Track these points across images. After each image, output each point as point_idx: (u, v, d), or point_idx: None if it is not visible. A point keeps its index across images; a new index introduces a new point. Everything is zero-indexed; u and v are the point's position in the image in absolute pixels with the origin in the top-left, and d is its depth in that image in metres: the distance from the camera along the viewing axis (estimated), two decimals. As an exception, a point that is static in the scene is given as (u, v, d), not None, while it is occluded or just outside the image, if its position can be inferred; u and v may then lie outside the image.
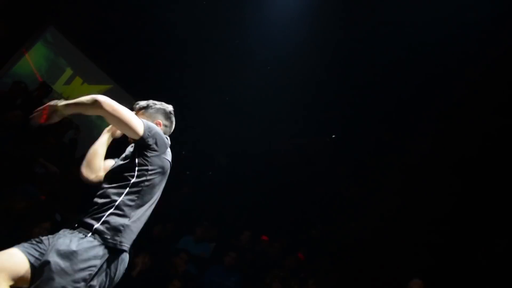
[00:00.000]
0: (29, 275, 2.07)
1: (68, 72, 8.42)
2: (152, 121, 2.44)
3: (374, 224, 7.83)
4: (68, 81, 8.43)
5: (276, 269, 6.31)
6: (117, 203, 2.21)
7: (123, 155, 2.47)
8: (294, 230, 8.01)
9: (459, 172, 6.68)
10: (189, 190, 7.26)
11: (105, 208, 2.19)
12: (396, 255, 7.10)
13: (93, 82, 8.67)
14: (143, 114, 2.53)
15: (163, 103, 2.63)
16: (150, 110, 2.56)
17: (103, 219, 2.16)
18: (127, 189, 2.25)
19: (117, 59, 8.18)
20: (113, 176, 2.34)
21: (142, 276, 4.80)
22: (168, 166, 2.40)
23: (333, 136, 8.45)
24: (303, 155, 8.51)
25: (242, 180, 8.50)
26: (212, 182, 8.49)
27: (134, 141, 2.34)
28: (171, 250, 5.76)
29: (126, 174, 2.28)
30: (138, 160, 2.29)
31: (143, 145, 2.29)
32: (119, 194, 2.24)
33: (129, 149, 2.46)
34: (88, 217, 2.19)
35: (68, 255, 2.02)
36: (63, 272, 1.99)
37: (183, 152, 8.23)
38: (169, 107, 2.63)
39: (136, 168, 2.28)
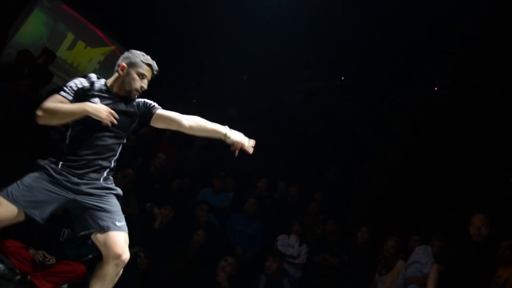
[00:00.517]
0: None
1: (70, 37, 8.34)
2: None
3: (391, 166, 7.90)
4: (71, 46, 8.37)
5: (295, 213, 6.45)
6: None
7: None
8: (310, 174, 8.12)
9: (479, 111, 6.60)
10: (202, 143, 7.30)
11: None
12: (415, 196, 7.19)
13: (96, 45, 8.59)
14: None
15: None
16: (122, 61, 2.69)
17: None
18: None
19: (118, 19, 8.05)
20: None
21: (165, 228, 4.94)
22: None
23: (342, 78, 8.34)
24: (314, 100, 8.45)
25: (254, 130, 8.52)
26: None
27: None
28: (191, 203, 5.88)
29: None
30: None
31: None
32: None
33: None
34: None
35: None
36: None
37: (194, 101, 8.25)
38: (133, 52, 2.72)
39: None
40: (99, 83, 2.65)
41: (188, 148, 7.28)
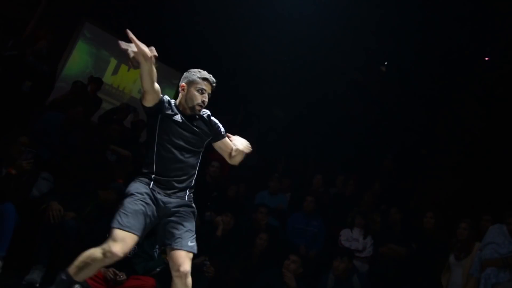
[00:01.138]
0: None
1: (113, 62, 8.67)
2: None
3: (450, 148, 7.62)
4: (115, 71, 8.69)
5: (355, 206, 6.31)
6: None
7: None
8: (367, 166, 7.96)
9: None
10: (254, 147, 7.33)
11: None
12: (479, 176, 6.90)
13: (138, 66, 8.82)
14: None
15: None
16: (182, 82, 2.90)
17: None
18: None
19: (155, 37, 8.24)
20: None
21: (228, 235, 4.96)
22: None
23: (386, 63, 8.14)
24: (358, 89, 8.29)
25: (301, 128, 8.48)
26: (273, 135, 8.53)
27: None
28: (250, 208, 5.89)
29: None
30: None
31: None
32: None
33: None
34: None
35: None
36: None
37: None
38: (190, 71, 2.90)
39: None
40: (173, 102, 2.86)
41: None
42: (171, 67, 9.11)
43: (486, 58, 6.97)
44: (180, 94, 2.86)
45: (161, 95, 2.76)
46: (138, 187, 2.66)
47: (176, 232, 2.65)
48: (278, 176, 6.56)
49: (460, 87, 7.38)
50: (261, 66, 7.96)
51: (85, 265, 2.44)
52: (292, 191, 6.70)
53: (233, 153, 2.93)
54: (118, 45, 2.60)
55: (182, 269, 2.58)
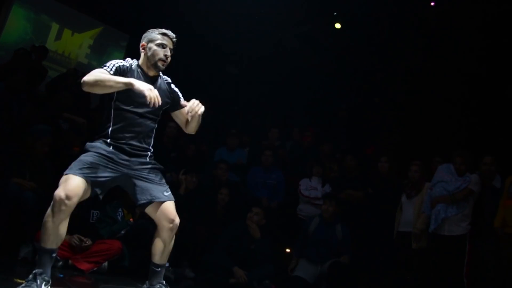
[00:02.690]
0: None
1: (55, 27, 8.25)
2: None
3: (399, 94, 7.86)
4: (58, 36, 8.28)
5: (312, 156, 6.48)
6: None
7: None
8: (321, 117, 8.12)
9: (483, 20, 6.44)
10: (210, 105, 7.28)
11: None
12: (429, 119, 7.18)
13: (82, 30, 8.48)
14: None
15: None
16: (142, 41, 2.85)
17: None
18: None
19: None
20: None
21: (190, 193, 5.01)
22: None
23: (335, 13, 8.15)
24: (309, 41, 8.32)
25: (256, 83, 8.49)
26: (227, 91, 8.51)
27: None
28: (209, 165, 5.94)
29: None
30: None
31: None
32: None
33: None
34: None
35: None
36: None
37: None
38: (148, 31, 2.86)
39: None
40: (134, 64, 2.80)
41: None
42: (119, 29, 8.80)
43: (432, 3, 7.14)
44: (142, 54, 2.82)
45: (118, 62, 2.71)
46: (96, 145, 2.63)
47: (151, 186, 2.67)
48: (235, 132, 6.60)
49: (409, 34, 7.53)
50: (212, 24, 7.80)
51: (45, 228, 2.38)
52: (250, 146, 6.79)
53: (189, 119, 2.88)
54: None
55: (176, 221, 2.67)
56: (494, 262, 4.39)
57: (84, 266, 3.76)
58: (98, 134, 2.71)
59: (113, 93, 2.65)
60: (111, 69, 2.63)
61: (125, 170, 2.64)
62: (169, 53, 2.79)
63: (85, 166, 2.47)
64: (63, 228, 2.42)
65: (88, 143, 2.65)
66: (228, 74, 9.22)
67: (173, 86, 2.93)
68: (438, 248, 4.55)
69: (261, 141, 6.93)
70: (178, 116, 2.97)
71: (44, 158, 4.15)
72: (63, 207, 2.35)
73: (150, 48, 2.76)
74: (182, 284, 4.06)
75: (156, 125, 2.84)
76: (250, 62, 8.79)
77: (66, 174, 2.44)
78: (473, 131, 6.63)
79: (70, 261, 3.82)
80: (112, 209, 4.22)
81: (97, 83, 2.51)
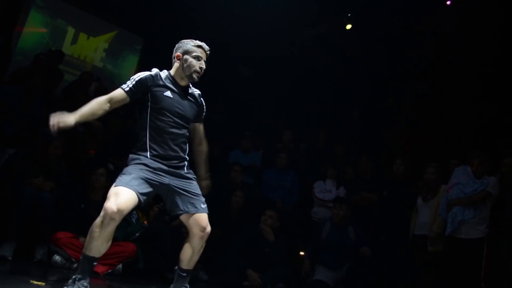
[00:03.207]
0: None
1: (71, 31, 8.34)
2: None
3: (414, 96, 7.78)
4: (74, 40, 8.37)
5: (326, 158, 6.44)
6: None
7: None
8: (335, 118, 8.07)
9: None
10: (224, 107, 7.28)
11: None
12: (446, 121, 7.09)
13: (98, 34, 8.57)
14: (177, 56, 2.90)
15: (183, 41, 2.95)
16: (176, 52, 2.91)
17: None
18: None
19: (114, 3, 7.97)
20: None
21: (204, 195, 4.99)
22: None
23: (349, 15, 8.09)
24: (323, 43, 8.27)
25: (269, 85, 8.47)
26: (240, 93, 8.50)
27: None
28: (224, 167, 5.93)
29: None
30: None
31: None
32: None
33: None
34: None
35: None
36: None
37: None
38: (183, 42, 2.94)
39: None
40: (164, 74, 2.86)
41: (211, 114, 7.32)
42: (134, 33, 8.86)
43: (448, 2, 7.04)
44: (176, 64, 2.88)
45: (139, 76, 2.76)
46: (139, 157, 2.69)
47: (189, 199, 2.76)
48: (249, 134, 6.60)
49: (424, 33, 7.44)
50: (224, 26, 7.81)
51: (91, 236, 2.44)
52: (264, 148, 6.77)
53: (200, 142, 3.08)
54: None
55: (208, 229, 2.81)
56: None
57: (99, 268, 3.78)
58: (135, 146, 2.77)
59: (146, 104, 2.74)
60: (127, 86, 2.71)
61: (167, 181, 2.71)
62: (204, 66, 2.87)
63: (133, 179, 2.54)
64: (109, 238, 2.50)
65: (130, 155, 2.73)
66: (241, 76, 9.22)
67: (201, 99, 3.01)
68: (455, 252, 4.47)
69: (275, 143, 6.91)
70: (195, 129, 3.04)
71: (58, 160, 4.18)
72: (113, 220, 2.41)
73: (186, 60, 2.83)
74: (196, 287, 4.05)
75: (188, 134, 2.91)
76: (263, 63, 8.77)
77: (116, 187, 2.49)
78: (491, 132, 6.50)
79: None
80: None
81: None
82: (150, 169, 2.65)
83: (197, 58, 2.84)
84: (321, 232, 5.18)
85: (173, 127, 2.75)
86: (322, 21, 7.88)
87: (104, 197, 4.11)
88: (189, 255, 2.83)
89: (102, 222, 2.40)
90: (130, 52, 8.88)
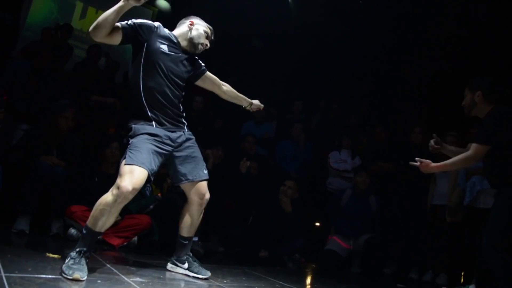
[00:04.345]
0: None
1: (79, 5, 8.27)
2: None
3: (431, 64, 7.56)
4: (83, 15, 8.30)
5: (340, 128, 6.34)
6: None
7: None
8: (348, 88, 7.92)
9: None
10: (236, 79, 7.17)
11: None
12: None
13: (107, 7, 8.38)
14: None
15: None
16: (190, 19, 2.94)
17: None
18: None
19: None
20: None
21: (218, 167, 4.97)
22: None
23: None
24: (334, 12, 8.04)
25: (282, 57, 8.32)
26: (253, 65, 8.36)
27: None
28: (237, 138, 5.88)
29: None
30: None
31: None
32: None
33: None
34: None
35: None
36: None
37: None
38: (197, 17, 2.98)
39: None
40: (165, 31, 2.81)
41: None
42: (143, 5, 8.71)
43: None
44: (184, 28, 2.87)
45: (150, 22, 2.72)
46: (144, 127, 2.63)
47: (191, 165, 2.77)
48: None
49: (440, 2, 7.18)
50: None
51: (100, 212, 2.39)
52: (278, 119, 6.68)
53: (224, 88, 3.20)
54: None
55: (207, 196, 2.82)
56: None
57: (115, 241, 3.79)
58: (134, 113, 2.70)
59: (137, 68, 2.65)
60: (125, 23, 2.59)
61: (170, 149, 2.70)
62: (208, 45, 2.93)
63: (145, 156, 2.49)
64: (116, 215, 2.47)
65: (134, 126, 2.65)
66: (253, 48, 9.07)
67: (197, 58, 3.00)
68: (473, 221, 4.38)
69: (286, 114, 6.81)
70: (205, 81, 3.12)
71: (70, 134, 4.15)
72: (126, 199, 2.39)
73: (197, 29, 2.87)
74: (211, 259, 4.05)
75: (183, 93, 2.87)
76: (276, 35, 8.60)
77: (129, 165, 2.43)
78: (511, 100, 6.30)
79: (100, 236, 3.85)
80: (140, 184, 4.21)
81: (98, 23, 2.44)
82: (157, 139, 2.61)
83: (207, 34, 2.92)
84: (339, 200, 5.12)
85: (166, 87, 2.70)
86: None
87: (117, 171, 4.12)
88: (189, 222, 2.84)
89: (115, 200, 2.36)
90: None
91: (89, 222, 2.44)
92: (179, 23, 2.96)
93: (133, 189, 2.37)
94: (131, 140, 2.59)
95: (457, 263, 4.61)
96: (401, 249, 5.08)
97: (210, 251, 4.49)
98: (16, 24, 6.20)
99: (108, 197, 2.39)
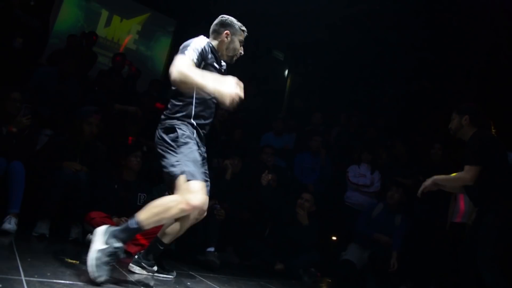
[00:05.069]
0: None
1: (105, 13, 8.43)
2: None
3: (453, 76, 7.45)
4: (108, 23, 8.46)
5: (360, 142, 6.30)
6: None
7: None
8: (367, 101, 7.87)
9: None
10: (257, 90, 7.22)
11: None
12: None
13: (131, 16, 8.61)
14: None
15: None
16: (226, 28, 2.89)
17: None
18: None
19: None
20: None
21: (236, 178, 4.98)
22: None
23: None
24: (354, 24, 8.02)
25: (302, 68, 8.32)
26: (274, 76, 8.40)
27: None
28: (256, 149, 5.88)
29: None
30: None
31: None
32: None
33: None
34: None
35: None
36: None
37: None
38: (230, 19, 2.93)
39: None
40: (210, 45, 2.81)
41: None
42: (166, 15, 8.86)
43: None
44: (223, 40, 2.86)
45: (198, 48, 2.66)
46: (190, 135, 2.66)
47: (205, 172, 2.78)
48: (282, 117, 6.51)
49: (466, 13, 7.09)
50: (258, 9, 7.68)
51: (159, 217, 2.43)
52: (297, 131, 6.68)
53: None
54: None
55: (204, 214, 2.77)
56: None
57: (132, 248, 3.81)
58: (177, 112, 2.70)
59: None
60: (196, 58, 2.60)
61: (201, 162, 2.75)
62: (242, 53, 2.95)
63: (199, 167, 2.56)
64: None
65: (180, 131, 2.62)
66: (274, 59, 9.11)
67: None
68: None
69: (305, 126, 6.81)
70: None
71: (94, 140, 4.21)
72: (191, 212, 2.50)
73: (233, 41, 2.86)
74: (227, 270, 4.04)
75: None
76: (296, 46, 8.62)
77: (194, 180, 2.45)
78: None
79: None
80: (159, 192, 4.23)
81: (187, 80, 2.40)
82: (198, 147, 2.68)
83: (241, 43, 2.90)
84: (372, 211, 5.08)
85: (211, 103, 2.79)
86: (356, 2, 7.61)
87: (137, 178, 4.16)
88: (175, 231, 2.79)
89: (182, 210, 2.41)
90: (162, 34, 8.90)
91: (142, 217, 2.42)
92: (212, 29, 2.91)
93: (205, 208, 2.52)
94: (179, 146, 2.57)
95: (475, 281, 4.50)
96: (419, 266, 4.98)
97: (226, 262, 4.48)
98: (45, 32, 6.36)
99: (174, 209, 2.41)
